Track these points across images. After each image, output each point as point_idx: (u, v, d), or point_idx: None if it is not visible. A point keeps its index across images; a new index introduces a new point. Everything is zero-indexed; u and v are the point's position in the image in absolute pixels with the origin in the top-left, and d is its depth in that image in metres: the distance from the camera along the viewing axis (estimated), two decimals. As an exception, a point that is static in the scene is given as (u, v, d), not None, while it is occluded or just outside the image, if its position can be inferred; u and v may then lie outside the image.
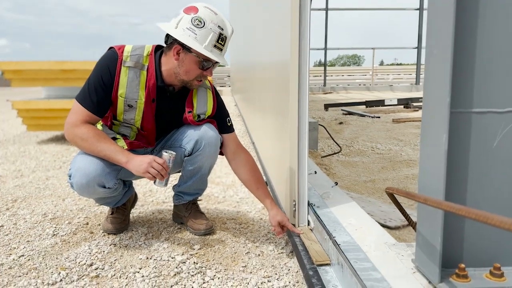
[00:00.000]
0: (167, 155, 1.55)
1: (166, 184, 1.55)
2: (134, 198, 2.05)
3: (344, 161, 3.91)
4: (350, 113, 7.61)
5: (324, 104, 8.69)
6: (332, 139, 4.58)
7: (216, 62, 1.59)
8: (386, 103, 8.63)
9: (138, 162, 1.48)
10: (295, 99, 1.65)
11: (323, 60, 14.18)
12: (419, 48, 13.08)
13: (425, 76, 1.06)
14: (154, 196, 2.39)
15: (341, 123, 6.55)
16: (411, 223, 1.52)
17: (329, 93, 13.76)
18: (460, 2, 0.94)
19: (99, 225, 1.90)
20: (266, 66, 2.86)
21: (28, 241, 1.72)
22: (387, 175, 3.41)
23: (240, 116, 7.10)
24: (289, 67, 1.63)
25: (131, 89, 1.58)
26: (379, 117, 7.04)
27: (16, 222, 1.95)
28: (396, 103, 8.55)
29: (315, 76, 18.54)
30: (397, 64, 25.54)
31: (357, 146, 4.62)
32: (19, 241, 1.72)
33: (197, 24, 1.50)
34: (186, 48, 1.53)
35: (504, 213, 1.06)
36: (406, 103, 8.46)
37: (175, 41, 1.53)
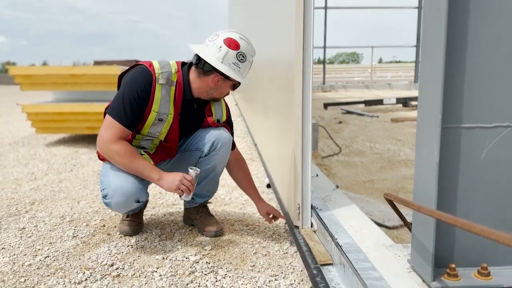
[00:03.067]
0: (193, 172, 1.69)
1: (190, 197, 1.72)
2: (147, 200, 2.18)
3: (344, 161, 4.02)
4: (349, 112, 7.71)
5: (324, 103, 8.79)
6: (332, 140, 4.70)
7: None
8: (385, 102, 8.74)
9: (170, 180, 1.63)
10: (299, 103, 1.76)
11: (322, 58, 14.27)
12: (418, 46, 13.17)
13: (419, 95, 1.18)
14: (164, 199, 2.51)
15: (340, 122, 6.66)
16: (407, 225, 1.64)
17: (328, 91, 13.86)
18: (451, 28, 1.05)
19: (115, 227, 2.02)
20: (269, 66, 2.96)
21: (51, 242, 1.84)
22: (386, 175, 3.52)
23: (241, 116, 7.20)
24: (294, 68, 1.75)
25: (163, 104, 1.71)
26: (377, 116, 7.14)
27: (36, 225, 2.07)
28: (394, 102, 8.66)
29: (314, 74, 18.60)
30: (396, 62, 25.63)
31: (356, 146, 4.73)
32: (42, 243, 1.84)
33: (241, 60, 1.70)
34: (226, 77, 1.72)
35: (492, 218, 1.18)
36: (404, 102, 8.57)
37: (214, 69, 1.69)
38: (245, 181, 2.00)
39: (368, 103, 8.76)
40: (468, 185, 1.16)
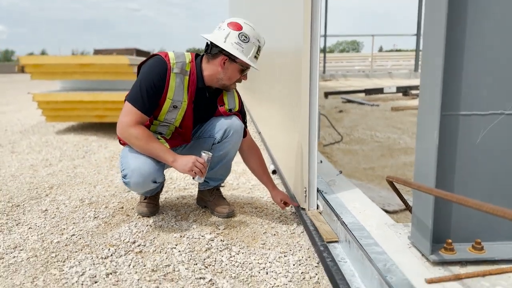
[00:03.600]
0: (205, 155, 1.81)
1: (203, 179, 1.83)
2: (163, 183, 2.31)
3: (345, 149, 4.14)
4: (349, 101, 7.80)
5: (324, 92, 8.87)
6: (334, 128, 4.81)
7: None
8: (385, 91, 8.82)
9: (184, 162, 1.75)
10: (306, 91, 1.88)
11: (322, 47, 14.27)
12: (418, 35, 13.19)
13: (421, 85, 1.29)
14: (175, 183, 2.63)
15: (341, 111, 6.75)
16: (408, 207, 1.77)
17: (329, 80, 13.91)
18: (450, 22, 1.16)
19: (133, 208, 2.15)
20: (274, 55, 3.04)
21: (74, 223, 1.97)
22: (386, 162, 3.64)
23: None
24: (302, 57, 1.85)
25: (178, 93, 1.83)
26: (378, 105, 7.24)
27: (58, 207, 2.19)
28: (395, 91, 8.74)
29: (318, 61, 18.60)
30: (396, 50, 25.60)
31: (357, 134, 4.83)
32: (66, 223, 1.97)
33: (244, 40, 1.79)
34: (232, 59, 1.80)
35: (486, 196, 1.30)
36: (404, 91, 8.65)
37: (221, 52, 1.80)
38: (259, 169, 2.09)
39: (368, 92, 8.83)
40: (464, 167, 1.28)
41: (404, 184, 1.35)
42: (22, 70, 4.58)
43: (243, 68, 1.86)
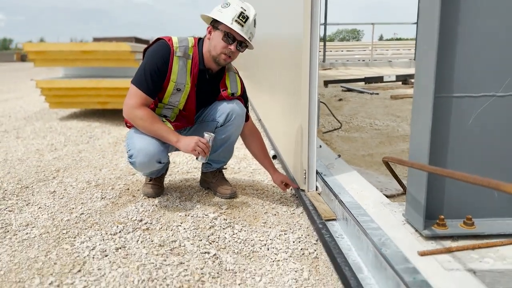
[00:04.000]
0: (208, 136, 1.87)
1: (206, 160, 1.89)
2: (168, 166, 2.38)
3: (344, 136, 4.20)
4: (349, 90, 7.84)
5: (324, 81, 8.90)
6: (333, 115, 4.86)
7: (243, 45, 1.91)
8: (384, 80, 8.85)
9: (187, 142, 1.81)
10: (306, 77, 1.93)
11: (322, 35, 14.22)
12: (418, 23, 13.13)
13: (416, 69, 1.35)
14: (178, 167, 2.70)
15: (340, 99, 6.80)
16: (403, 187, 1.84)
17: (329, 69, 13.91)
18: (444, 11, 1.21)
19: (138, 190, 2.22)
20: (275, 42, 3.08)
21: (82, 203, 2.05)
22: (384, 149, 3.71)
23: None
24: (302, 45, 1.90)
25: (181, 75, 1.88)
26: (377, 94, 7.28)
27: (65, 188, 2.26)
28: (394, 79, 8.77)
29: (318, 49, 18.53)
30: (397, 39, 25.49)
31: (356, 122, 4.90)
32: (74, 203, 2.04)
33: (225, 6, 1.86)
34: (215, 27, 1.86)
35: (475, 172, 1.36)
36: (404, 79, 8.69)
37: (210, 23, 1.88)
38: (261, 153, 2.16)
39: (368, 80, 8.87)
40: (456, 146, 1.35)
41: (399, 163, 1.42)
42: (21, 58, 4.61)
43: (226, 32, 1.85)
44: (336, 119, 4.76)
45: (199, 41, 1.96)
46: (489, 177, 1.38)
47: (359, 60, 16.36)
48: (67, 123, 4.27)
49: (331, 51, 18.44)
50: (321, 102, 5.11)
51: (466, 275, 1.14)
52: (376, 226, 1.46)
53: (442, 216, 1.37)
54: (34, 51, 4.05)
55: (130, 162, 1.92)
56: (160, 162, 1.91)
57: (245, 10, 1.86)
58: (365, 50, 18.69)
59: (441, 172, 1.10)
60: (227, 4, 1.86)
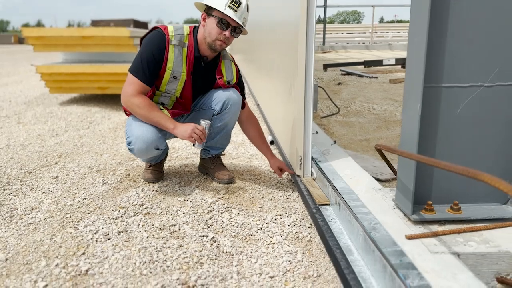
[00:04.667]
0: (204, 123, 1.91)
1: (203, 146, 1.94)
2: (167, 151, 2.44)
3: (342, 121, 4.25)
4: (348, 74, 7.83)
5: (323, 64, 8.88)
6: (331, 100, 4.90)
7: (237, 30, 1.93)
8: (384, 63, 8.84)
9: (184, 128, 1.86)
10: (302, 62, 1.96)
11: (322, 17, 14.07)
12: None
13: (407, 59, 1.39)
14: (177, 153, 2.76)
15: (339, 83, 6.81)
16: (395, 172, 1.90)
17: (328, 52, 13.83)
18: (434, 4, 1.25)
19: (139, 175, 2.29)
20: (272, 26, 3.08)
21: (85, 188, 2.11)
22: (381, 134, 3.76)
23: (243, 77, 7.33)
24: (298, 27, 1.89)
25: (177, 63, 1.92)
26: (376, 77, 7.28)
27: (68, 174, 2.33)
28: (394, 63, 8.76)
29: (314, 34, 18.38)
30: (397, 21, 25.22)
31: (354, 106, 4.93)
32: (77, 188, 2.11)
33: None
34: (209, 14, 1.89)
35: (464, 161, 1.42)
36: (403, 63, 8.66)
37: (204, 11, 1.91)
38: (258, 138, 2.22)
39: (367, 64, 8.85)
40: (445, 134, 1.40)
41: (389, 151, 1.48)
42: (19, 41, 4.61)
43: (220, 18, 1.88)
44: (334, 104, 4.79)
45: (194, 29, 1.99)
46: (477, 163, 1.45)
47: (359, 43, 16.24)
48: (67, 108, 4.31)
49: (331, 33, 18.30)
50: (319, 86, 5.16)
51: (450, 257, 1.21)
52: (367, 211, 1.52)
53: (430, 202, 1.43)
54: (34, 36, 4.06)
55: (129, 149, 1.97)
56: (158, 149, 1.96)
57: None
58: (365, 33, 18.54)
59: (427, 161, 1.15)
60: None
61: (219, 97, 2.07)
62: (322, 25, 14.17)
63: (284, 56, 2.55)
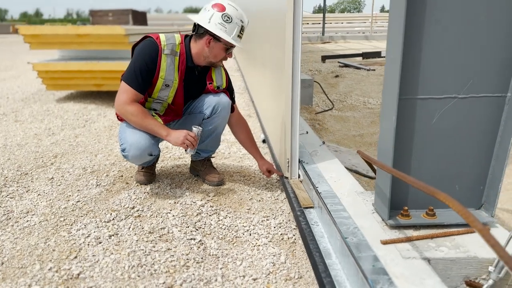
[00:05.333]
0: (196, 129, 1.98)
1: (195, 152, 2.01)
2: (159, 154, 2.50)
3: (337, 116, 4.29)
4: (346, 66, 7.85)
5: (322, 56, 8.89)
6: (326, 96, 4.94)
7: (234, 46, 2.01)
8: (382, 55, 8.83)
9: (176, 135, 1.93)
10: (289, 58, 1.95)
11: (322, 6, 13.98)
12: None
13: (385, 74, 1.44)
14: (171, 153, 2.82)
15: (337, 76, 6.83)
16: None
17: (328, 42, 13.80)
18: (408, 21, 1.29)
19: (131, 177, 2.35)
20: (262, 18, 3.04)
21: (79, 190, 2.18)
22: (375, 129, 3.81)
23: (239, 71, 7.35)
24: (285, 18, 1.87)
25: (169, 72, 1.98)
26: (374, 70, 7.30)
27: (63, 175, 2.39)
28: (391, 55, 8.73)
29: (314, 24, 18.34)
30: (399, 10, 24.95)
31: (350, 101, 4.97)
32: (71, 190, 2.18)
33: (226, 20, 1.93)
34: (216, 38, 1.94)
35: (439, 169, 1.48)
36: (401, 55, 8.64)
37: (206, 32, 1.94)
38: (247, 142, 2.28)
39: (366, 55, 8.85)
40: (420, 144, 1.46)
41: (366, 159, 1.54)
42: (17, 31, 4.66)
43: (227, 47, 2.00)
44: (329, 99, 4.84)
45: (186, 38, 2.04)
46: (451, 172, 1.51)
47: (359, 33, 16.17)
48: (64, 105, 4.36)
49: (331, 23, 18.20)
50: (315, 81, 5.19)
51: (421, 263, 1.28)
52: (347, 215, 1.59)
53: (406, 207, 1.49)
54: (30, 35, 4.10)
55: (123, 155, 2.04)
56: (151, 155, 2.03)
57: (243, 23, 1.98)
58: (365, 22, 18.44)
59: (396, 174, 1.21)
60: (228, 18, 1.92)
61: (209, 102, 2.12)
62: (321, 15, 14.10)
63: (274, 49, 2.52)
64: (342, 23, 19.07)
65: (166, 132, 1.94)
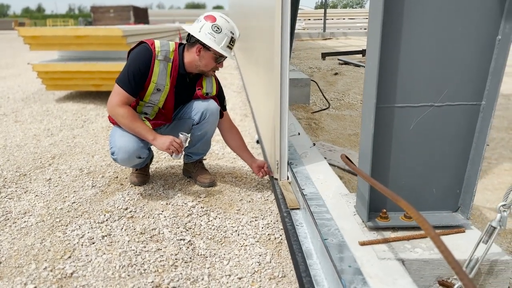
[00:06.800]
0: (182, 136, 2.05)
1: (180, 158, 2.08)
2: (152, 156, 2.57)
3: (334, 114, 4.34)
4: (346, 63, 7.88)
5: (322, 53, 8.91)
6: (323, 95, 4.98)
7: (225, 57, 2.08)
8: (381, 53, 8.82)
9: (162, 141, 1.99)
10: (278, 58, 1.97)
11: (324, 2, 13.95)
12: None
13: (364, 83, 1.50)
14: (165, 153, 2.89)
15: (336, 73, 6.86)
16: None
17: (329, 39, 13.80)
18: (385, 32, 1.35)
19: (126, 178, 2.43)
20: (254, 15, 3.03)
21: (75, 191, 2.26)
22: (369, 129, 3.84)
23: (238, 68, 7.39)
24: (274, 15, 1.88)
25: (161, 77, 2.05)
26: (372, 68, 7.31)
27: (60, 176, 2.47)
28: (390, 52, 8.74)
29: (315, 19, 18.31)
30: (401, 5, 24.81)
31: (347, 99, 5.01)
32: (67, 191, 2.25)
33: (216, 30, 1.99)
34: (206, 48, 2.01)
35: (416, 173, 1.54)
36: (400, 52, 8.65)
37: (198, 41, 2.01)
38: (239, 148, 2.34)
39: (365, 52, 8.85)
40: (399, 150, 1.52)
41: (346, 164, 1.61)
42: (19, 26, 4.71)
43: (217, 56, 2.06)
44: (325, 99, 4.88)
45: (179, 46, 2.11)
46: (427, 175, 1.57)
47: (360, 29, 16.13)
48: (63, 105, 4.44)
49: (332, 19, 18.16)
50: (312, 80, 5.23)
51: (395, 263, 1.34)
52: (330, 217, 1.66)
53: (385, 210, 1.56)
54: (30, 36, 4.18)
55: (113, 159, 2.11)
56: (140, 157, 2.10)
57: (233, 34, 2.04)
58: (367, 18, 18.37)
59: (369, 180, 1.28)
60: (218, 28, 1.99)
61: (198, 108, 2.19)
62: (323, 10, 14.08)
63: (265, 47, 2.53)
64: (344, 18, 19.04)
65: (153, 136, 2.01)
